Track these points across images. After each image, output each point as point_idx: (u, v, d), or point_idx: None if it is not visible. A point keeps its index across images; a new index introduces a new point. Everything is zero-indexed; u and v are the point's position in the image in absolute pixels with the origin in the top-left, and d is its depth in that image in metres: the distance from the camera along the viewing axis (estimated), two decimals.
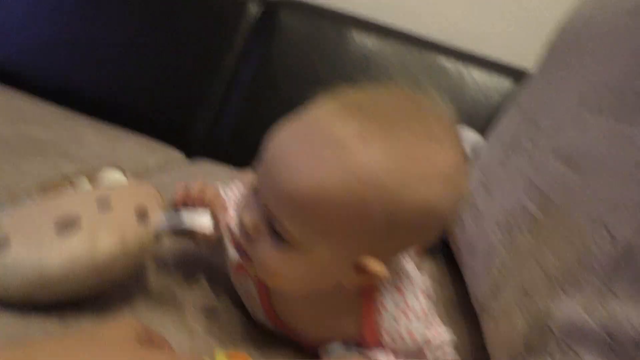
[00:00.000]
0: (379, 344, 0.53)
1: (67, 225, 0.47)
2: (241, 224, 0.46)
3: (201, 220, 0.53)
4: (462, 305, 0.81)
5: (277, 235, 0.44)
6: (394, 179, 0.41)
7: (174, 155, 1.14)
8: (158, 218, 0.51)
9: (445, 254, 1.00)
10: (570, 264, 0.47)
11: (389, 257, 0.47)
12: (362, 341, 0.53)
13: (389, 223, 0.42)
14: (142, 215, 0.50)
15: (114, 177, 0.56)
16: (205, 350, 0.50)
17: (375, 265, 0.45)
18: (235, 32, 1.18)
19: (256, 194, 0.46)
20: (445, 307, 0.80)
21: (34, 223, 0.47)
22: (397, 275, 0.52)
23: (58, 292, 0.46)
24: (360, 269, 0.45)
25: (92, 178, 0.55)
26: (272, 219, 0.44)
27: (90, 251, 0.46)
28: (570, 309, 0.44)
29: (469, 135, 1.07)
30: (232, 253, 0.55)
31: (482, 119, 1.10)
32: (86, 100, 1.19)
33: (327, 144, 0.41)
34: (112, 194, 0.52)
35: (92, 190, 0.53)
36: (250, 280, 0.55)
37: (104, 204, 0.50)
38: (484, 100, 1.12)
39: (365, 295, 0.51)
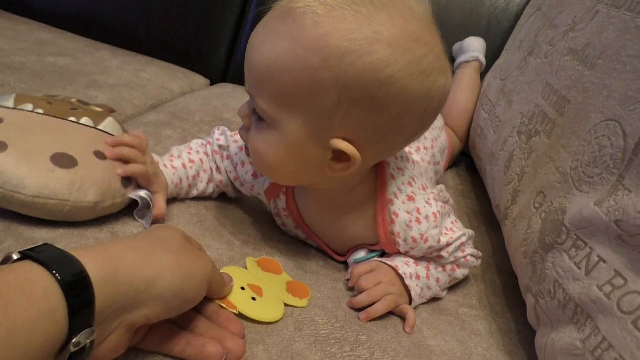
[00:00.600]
0: (396, 250, 0.56)
1: (63, 162, 0.49)
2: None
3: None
4: (483, 215, 0.84)
5: (259, 118, 0.48)
6: (336, 44, 0.43)
7: (198, 80, 1.15)
8: (138, 191, 0.54)
9: (468, 168, 1.01)
10: (583, 161, 0.48)
11: (365, 144, 0.47)
12: (381, 246, 0.57)
13: (341, 92, 0.44)
14: (126, 181, 0.54)
15: (114, 129, 0.58)
16: (241, 259, 0.55)
17: (346, 146, 0.47)
18: None
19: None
20: (468, 216, 0.83)
21: (34, 143, 0.49)
22: (408, 183, 0.55)
23: (25, 210, 0.48)
24: (337, 155, 0.48)
25: (95, 122, 0.57)
26: (253, 102, 0.48)
27: (70, 193, 0.48)
28: (583, 204, 0.46)
29: (473, 43, 1.05)
30: (260, 180, 0.60)
31: (503, 25, 1.07)
32: (105, 28, 1.19)
33: (283, 20, 0.45)
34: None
35: (94, 137, 0.54)
36: (280, 197, 0.59)
37: (100, 155, 0.52)
38: (504, 5, 1.08)
39: (378, 206, 0.55)
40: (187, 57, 1.19)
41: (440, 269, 0.57)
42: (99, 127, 0.56)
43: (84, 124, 0.55)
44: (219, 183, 0.63)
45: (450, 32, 1.09)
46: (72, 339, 0.31)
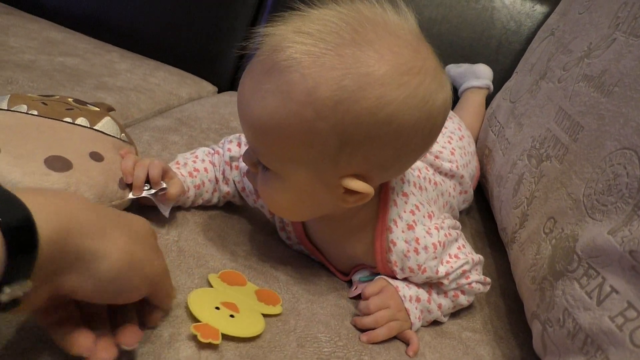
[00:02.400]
0: (395, 276, 0.56)
1: (57, 165, 0.48)
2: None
3: (165, 204, 0.55)
4: (488, 236, 0.83)
5: (265, 167, 0.48)
6: (327, 95, 0.42)
7: (207, 87, 1.14)
8: (137, 191, 0.53)
9: (475, 190, 1.01)
10: (597, 189, 0.47)
11: (377, 175, 0.48)
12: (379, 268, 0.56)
13: (342, 139, 0.43)
14: (123, 183, 0.52)
15: (111, 129, 0.57)
16: (244, 270, 0.54)
17: (358, 185, 0.46)
18: None
19: None
20: (473, 237, 0.82)
21: (28, 146, 0.48)
22: (411, 211, 0.54)
23: None
24: (349, 190, 0.47)
25: (91, 122, 0.56)
26: (255, 152, 0.48)
27: None
28: (596, 232, 0.45)
29: (485, 70, 1.06)
30: None
31: (514, 47, 1.07)
32: (116, 31, 1.19)
33: (269, 76, 0.43)
34: (106, 148, 0.53)
35: (90, 138, 0.53)
36: None
37: (96, 157, 0.51)
38: (515, 27, 1.08)
39: (377, 234, 0.54)
40: (196, 63, 1.19)
41: (442, 295, 0.56)
42: (95, 128, 0.55)
43: (80, 125, 0.54)
44: (226, 194, 0.62)
45: (461, 52, 1.09)
46: (4, 287, 0.28)
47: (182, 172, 0.58)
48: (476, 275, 0.57)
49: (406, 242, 0.53)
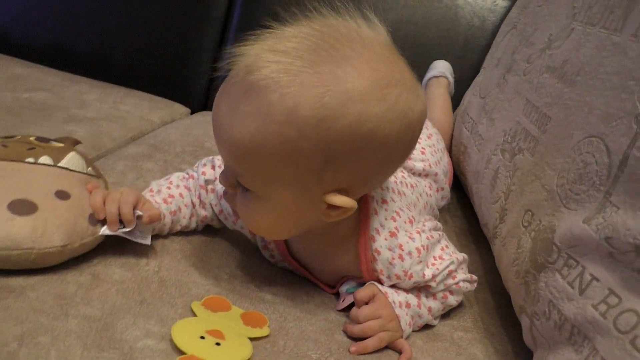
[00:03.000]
0: (381, 282, 0.55)
1: (22, 209, 0.47)
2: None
3: (143, 232, 0.54)
4: (472, 233, 0.83)
5: (244, 189, 0.47)
6: (308, 114, 0.42)
7: (179, 110, 1.13)
8: (112, 226, 0.52)
9: (454, 186, 1.01)
10: (569, 178, 0.48)
11: (359, 188, 0.48)
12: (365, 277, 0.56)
13: (326, 155, 0.43)
14: (94, 219, 0.51)
15: (76, 164, 0.56)
16: (228, 294, 0.53)
17: (342, 200, 0.46)
18: None
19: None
20: (457, 235, 0.82)
21: None
22: (392, 218, 0.54)
23: None
24: (332, 205, 0.47)
25: (55, 159, 0.55)
26: (235, 174, 0.47)
27: (34, 241, 0.46)
28: (572, 222, 0.45)
29: (440, 63, 1.07)
30: None
31: (480, 43, 1.08)
32: (83, 61, 1.18)
33: (247, 98, 0.43)
34: (71, 185, 0.52)
35: (54, 176, 0.52)
36: None
37: (63, 195, 0.50)
38: (479, 23, 1.09)
39: (360, 244, 0.54)
40: (167, 86, 1.18)
41: (431, 297, 0.56)
42: (59, 165, 0.54)
43: (43, 164, 0.53)
44: (204, 218, 0.61)
45: (429, 52, 1.10)
46: None
47: (156, 200, 0.58)
48: (462, 274, 0.57)
49: (390, 249, 0.53)
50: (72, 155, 0.56)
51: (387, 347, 0.52)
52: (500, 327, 0.61)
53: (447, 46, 1.10)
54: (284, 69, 0.42)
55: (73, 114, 0.91)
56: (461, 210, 0.91)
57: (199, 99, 1.20)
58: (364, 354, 0.50)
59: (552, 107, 0.56)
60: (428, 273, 0.54)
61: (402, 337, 0.53)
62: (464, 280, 0.57)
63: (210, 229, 0.64)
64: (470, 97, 0.93)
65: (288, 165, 0.44)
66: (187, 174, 0.63)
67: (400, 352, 0.52)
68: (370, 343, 0.50)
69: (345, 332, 0.52)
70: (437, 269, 0.55)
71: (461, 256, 0.58)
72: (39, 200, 0.48)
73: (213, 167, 0.61)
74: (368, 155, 0.45)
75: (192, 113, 1.17)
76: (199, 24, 1.18)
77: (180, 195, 0.60)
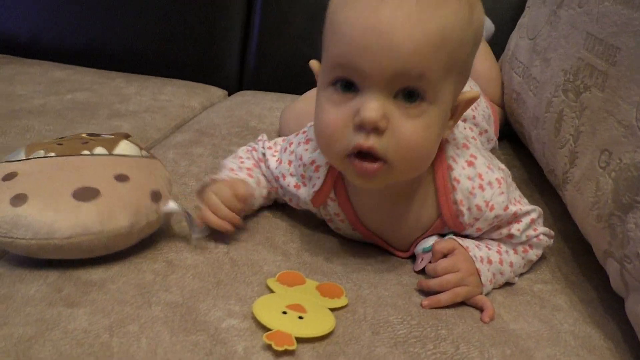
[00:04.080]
0: (461, 226, 0.53)
1: (86, 195, 0.47)
2: (366, 127, 0.43)
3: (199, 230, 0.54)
4: (534, 182, 0.80)
5: (411, 101, 0.44)
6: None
7: (216, 93, 1.13)
8: (169, 203, 0.52)
9: (507, 136, 0.97)
10: None
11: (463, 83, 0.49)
12: (445, 225, 0.54)
13: (474, 41, 0.47)
14: (155, 196, 0.51)
15: (130, 150, 0.56)
16: (300, 268, 0.53)
17: (470, 93, 0.49)
18: None
19: (345, 90, 0.45)
20: (519, 186, 0.78)
21: (53, 186, 0.48)
22: (464, 145, 0.53)
23: (64, 254, 0.47)
24: (454, 107, 0.49)
25: (109, 149, 0.55)
26: (407, 83, 0.43)
27: (102, 223, 0.47)
28: None
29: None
30: (304, 191, 0.57)
31: None
32: (116, 57, 1.18)
33: None
34: (130, 168, 0.52)
35: (111, 163, 0.53)
36: (332, 202, 0.56)
37: (122, 178, 0.51)
38: None
39: (438, 176, 0.52)
40: (201, 71, 1.18)
41: (512, 251, 0.54)
42: (113, 153, 0.55)
43: (98, 154, 0.53)
44: (272, 188, 0.61)
45: None
46: None
47: (239, 175, 0.58)
48: (542, 227, 0.55)
49: (469, 179, 0.51)
50: (124, 143, 0.56)
51: (466, 304, 0.51)
52: (580, 276, 0.59)
53: None
54: None
55: (116, 109, 0.91)
56: (519, 160, 0.88)
57: (234, 79, 1.19)
58: (437, 308, 0.49)
59: (620, 36, 0.52)
60: (512, 208, 0.52)
61: (481, 293, 0.51)
62: (543, 234, 0.55)
63: (271, 208, 0.64)
64: (517, 40, 0.88)
65: (463, 49, 0.46)
66: (250, 146, 0.63)
67: (481, 310, 0.50)
68: (443, 297, 0.49)
69: (420, 288, 0.51)
70: (520, 209, 0.53)
71: (539, 208, 0.56)
72: (100, 186, 0.48)
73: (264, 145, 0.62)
74: (476, 43, 0.48)
75: (229, 94, 1.16)
76: (223, 3, 1.16)
77: (254, 165, 0.61)
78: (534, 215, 0.54)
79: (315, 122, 0.49)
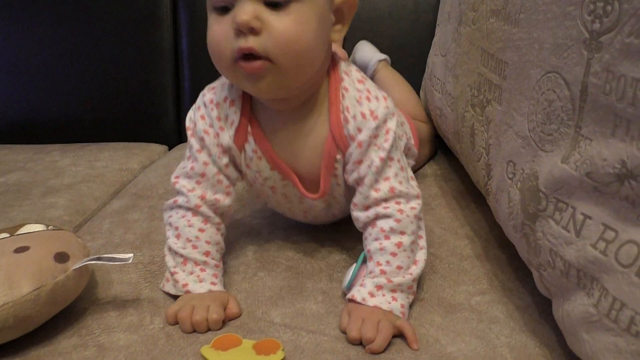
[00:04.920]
0: (346, 140, 0.56)
1: None
2: (241, 28, 0.48)
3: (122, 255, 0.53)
4: (470, 192, 0.82)
5: (278, 4, 0.48)
6: None
7: (156, 149, 1.12)
8: (78, 259, 0.52)
9: (442, 151, 1.00)
10: (538, 120, 0.46)
11: None
12: (335, 147, 0.57)
13: None
14: (60, 257, 0.51)
15: (34, 228, 0.56)
16: (236, 330, 0.52)
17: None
18: (159, 7, 1.14)
19: (222, 11, 0.50)
20: (455, 198, 0.81)
21: None
22: (361, 74, 0.58)
23: None
24: (337, 13, 0.52)
25: (12, 232, 0.55)
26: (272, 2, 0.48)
27: (5, 295, 0.46)
28: (552, 164, 0.44)
29: (367, 47, 1.06)
30: (225, 138, 0.58)
31: (431, 2, 1.06)
32: (50, 129, 1.17)
33: None
34: (31, 239, 0.52)
35: (11, 241, 0.52)
36: (250, 137, 0.59)
37: (21, 250, 0.50)
38: None
39: (331, 88, 0.56)
40: (139, 130, 1.17)
41: (389, 256, 0.54)
42: (16, 234, 0.54)
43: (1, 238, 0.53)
44: (229, 207, 0.61)
45: (381, 22, 1.08)
46: None
47: (207, 276, 0.57)
48: (419, 210, 0.56)
49: (358, 90, 0.56)
50: (28, 226, 0.56)
51: (400, 337, 0.51)
52: (516, 281, 0.60)
53: (397, 13, 1.08)
54: None
55: (50, 185, 0.90)
56: (455, 173, 0.89)
57: (173, 132, 1.19)
58: (381, 352, 0.49)
59: (505, 51, 0.54)
60: (391, 125, 0.55)
61: (400, 317, 0.51)
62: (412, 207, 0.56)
63: None
64: (433, 58, 0.91)
65: None
66: (171, 204, 0.60)
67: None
68: (377, 343, 0.48)
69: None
70: (400, 159, 0.56)
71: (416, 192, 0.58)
72: None
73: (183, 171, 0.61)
74: None
75: (170, 148, 1.16)
76: (153, 61, 1.16)
77: (197, 238, 0.58)
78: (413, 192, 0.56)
79: (207, 41, 0.53)
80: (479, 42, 0.63)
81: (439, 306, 0.56)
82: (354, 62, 1.06)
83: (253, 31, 0.48)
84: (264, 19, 0.48)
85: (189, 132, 0.60)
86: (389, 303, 0.52)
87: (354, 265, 0.57)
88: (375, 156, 0.55)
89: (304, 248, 0.67)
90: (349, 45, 1.09)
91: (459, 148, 0.75)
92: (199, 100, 0.61)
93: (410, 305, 0.55)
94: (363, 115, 0.54)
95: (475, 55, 0.65)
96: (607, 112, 0.37)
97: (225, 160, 0.59)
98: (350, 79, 0.56)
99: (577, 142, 0.41)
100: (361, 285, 0.53)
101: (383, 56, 1.02)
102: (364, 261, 0.57)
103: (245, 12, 0.47)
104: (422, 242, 0.57)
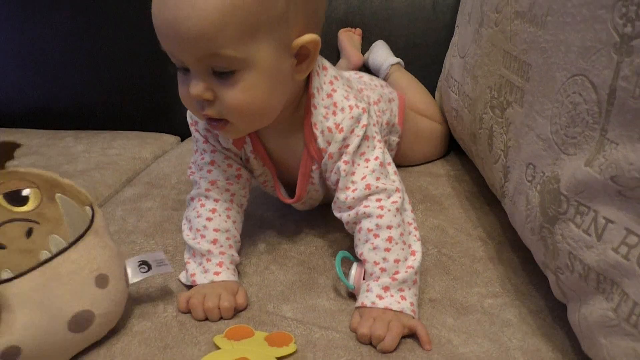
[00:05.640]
0: (319, 152, 0.59)
1: (82, 325, 0.45)
2: (194, 102, 0.51)
3: (164, 266, 0.54)
4: (483, 194, 0.82)
5: (224, 75, 0.49)
6: None
7: (169, 140, 1.13)
8: (121, 281, 0.49)
9: (455, 152, 0.99)
10: (562, 123, 0.46)
11: (315, 23, 0.53)
12: (312, 157, 0.60)
13: None
14: (101, 280, 0.46)
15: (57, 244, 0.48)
16: (248, 322, 0.52)
17: (309, 37, 0.51)
18: None
19: (185, 71, 0.51)
20: (469, 199, 0.81)
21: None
22: (330, 82, 0.59)
23: None
24: (300, 54, 0.52)
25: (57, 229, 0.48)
26: (212, 63, 0.48)
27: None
28: (574, 167, 0.44)
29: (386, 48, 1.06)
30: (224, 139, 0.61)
31: (448, 3, 1.06)
32: (64, 115, 1.18)
33: None
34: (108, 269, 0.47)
35: (83, 265, 0.46)
36: (247, 141, 0.62)
37: (102, 282, 0.46)
38: None
39: (307, 104, 0.58)
40: (153, 120, 1.18)
41: (384, 251, 0.53)
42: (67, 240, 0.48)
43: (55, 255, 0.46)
44: (245, 184, 0.64)
45: (398, 21, 1.08)
46: None
47: (223, 262, 0.58)
48: (402, 204, 0.57)
49: (325, 107, 0.57)
50: (59, 199, 0.49)
51: (413, 337, 0.51)
52: (529, 285, 0.60)
53: (415, 13, 1.07)
54: None
55: (64, 170, 0.90)
56: (468, 174, 0.89)
57: (185, 124, 1.18)
58: (392, 351, 0.49)
59: (529, 53, 0.54)
60: (358, 131, 0.57)
61: (413, 316, 0.51)
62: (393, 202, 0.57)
63: None
64: (451, 59, 0.91)
65: (261, 13, 0.47)
66: (192, 199, 0.62)
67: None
68: (387, 342, 0.48)
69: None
70: (372, 157, 0.58)
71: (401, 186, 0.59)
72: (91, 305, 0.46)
73: (196, 165, 0.63)
74: None
75: (182, 140, 1.16)
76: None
77: (205, 227, 0.59)
78: (392, 187, 0.57)
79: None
80: (502, 44, 0.63)
81: (451, 307, 0.55)
82: (368, 63, 1.06)
83: (207, 101, 0.50)
84: (215, 90, 0.50)
85: (192, 128, 0.63)
86: (399, 303, 0.52)
87: (353, 264, 0.57)
88: (346, 160, 0.57)
89: (316, 242, 0.67)
90: (365, 44, 1.09)
91: (474, 150, 0.75)
92: None
93: (422, 305, 0.55)
94: (329, 130, 0.57)
95: (496, 57, 0.64)
96: (635, 116, 0.37)
97: (228, 152, 0.62)
98: (320, 95, 0.57)
99: (602, 145, 0.41)
100: (367, 290, 0.53)
101: (396, 60, 1.02)
102: (358, 261, 0.57)
103: (196, 86, 0.49)
104: (417, 233, 0.57)
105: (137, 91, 1.17)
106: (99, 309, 0.45)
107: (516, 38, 0.58)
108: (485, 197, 0.81)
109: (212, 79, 0.49)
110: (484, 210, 0.77)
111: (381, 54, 1.03)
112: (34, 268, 0.42)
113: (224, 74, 0.49)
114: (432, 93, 1.02)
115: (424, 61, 1.06)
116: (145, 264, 0.52)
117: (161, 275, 0.59)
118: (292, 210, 0.73)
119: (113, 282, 0.47)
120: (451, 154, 0.99)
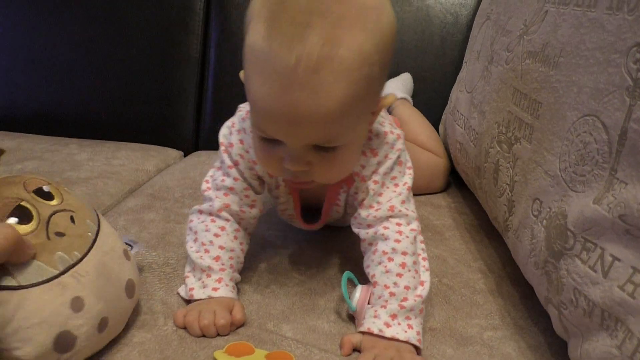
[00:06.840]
0: (350, 177, 0.60)
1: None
2: (284, 171, 0.52)
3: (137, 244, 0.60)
4: (483, 228, 0.83)
5: (326, 149, 0.50)
6: (370, 47, 0.46)
7: (172, 154, 1.13)
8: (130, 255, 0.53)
9: (456, 184, 1.01)
10: (571, 161, 0.47)
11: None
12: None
13: (382, 66, 0.49)
14: (126, 254, 0.52)
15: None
16: (248, 339, 0.52)
17: (390, 99, 0.55)
18: (192, 17, 1.16)
19: (274, 144, 0.51)
20: (469, 231, 0.82)
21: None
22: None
23: None
24: (374, 112, 0.54)
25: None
26: (319, 143, 0.49)
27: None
28: (582, 204, 0.45)
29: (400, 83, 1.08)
30: (259, 166, 0.61)
31: (456, 39, 1.08)
32: (69, 123, 1.18)
33: (319, 66, 0.44)
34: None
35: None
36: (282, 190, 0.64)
37: (129, 292, 0.50)
38: (453, 20, 1.09)
39: None
40: (157, 133, 1.18)
41: (395, 277, 0.54)
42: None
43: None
44: (257, 214, 0.64)
45: (407, 55, 1.10)
46: None
47: (223, 279, 0.57)
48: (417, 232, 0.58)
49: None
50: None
51: None
52: (528, 320, 0.60)
53: (424, 47, 1.10)
54: (328, 26, 0.44)
55: (66, 177, 0.90)
56: (468, 207, 0.90)
57: (190, 140, 1.20)
58: None
59: (541, 91, 0.56)
60: (393, 156, 0.59)
61: (418, 345, 0.51)
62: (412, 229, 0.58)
63: None
64: (457, 93, 0.93)
65: (371, 97, 0.50)
66: (200, 209, 0.62)
67: None
68: None
69: None
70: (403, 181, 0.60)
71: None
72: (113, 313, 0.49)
73: (213, 181, 0.63)
74: (392, 50, 0.51)
75: (185, 155, 1.17)
76: (178, 66, 1.18)
77: (211, 242, 0.59)
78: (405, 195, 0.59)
79: (254, 152, 0.56)
80: (512, 82, 0.65)
81: (451, 337, 0.55)
82: None
83: (302, 171, 0.52)
84: (313, 162, 0.51)
85: (222, 147, 0.62)
86: (405, 332, 0.52)
87: (357, 286, 0.57)
88: (376, 180, 0.59)
89: (317, 262, 0.68)
90: None
91: (477, 183, 0.76)
92: (237, 121, 0.62)
93: (423, 334, 0.55)
94: (364, 154, 0.58)
95: (505, 94, 0.66)
96: None
97: (255, 182, 0.62)
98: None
99: (611, 184, 0.42)
100: (374, 316, 0.53)
101: (402, 95, 1.04)
102: (362, 284, 0.57)
103: (297, 164, 0.50)
104: (426, 264, 0.58)
105: (143, 104, 1.18)
106: (134, 277, 0.51)
107: (527, 77, 0.60)
108: (485, 231, 0.81)
109: (312, 152, 0.50)
110: (484, 244, 0.78)
111: (392, 85, 1.05)
112: (91, 247, 0.47)
113: (326, 149, 0.50)
114: (436, 126, 1.04)
115: (430, 95, 1.08)
116: (128, 244, 0.57)
117: (161, 288, 0.59)
118: (294, 230, 0.73)
119: (130, 255, 0.53)
120: (452, 187, 1.00)
